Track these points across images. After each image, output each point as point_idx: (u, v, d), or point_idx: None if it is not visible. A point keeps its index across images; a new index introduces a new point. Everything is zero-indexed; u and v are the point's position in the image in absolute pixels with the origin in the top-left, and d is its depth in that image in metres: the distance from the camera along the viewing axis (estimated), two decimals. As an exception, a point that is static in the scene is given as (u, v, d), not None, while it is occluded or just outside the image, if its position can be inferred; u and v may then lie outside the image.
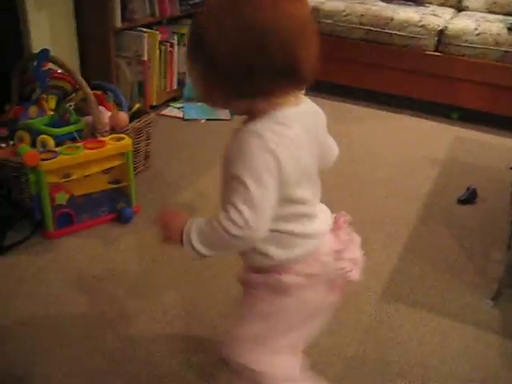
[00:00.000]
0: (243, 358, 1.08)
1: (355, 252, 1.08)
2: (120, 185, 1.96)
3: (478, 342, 1.54)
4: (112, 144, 1.89)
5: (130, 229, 1.94)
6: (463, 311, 1.65)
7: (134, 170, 2.09)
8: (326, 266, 1.04)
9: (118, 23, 2.59)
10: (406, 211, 2.17)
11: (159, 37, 2.80)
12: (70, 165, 1.82)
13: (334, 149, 1.14)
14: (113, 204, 1.97)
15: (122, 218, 1.97)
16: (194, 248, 0.95)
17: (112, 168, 1.92)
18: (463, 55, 3.07)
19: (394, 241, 1.97)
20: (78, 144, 1.88)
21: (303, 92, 1.07)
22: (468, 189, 2.29)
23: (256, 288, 1.06)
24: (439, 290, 1.74)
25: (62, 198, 1.84)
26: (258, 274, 1.05)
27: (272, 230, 0.98)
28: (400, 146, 2.79)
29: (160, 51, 2.86)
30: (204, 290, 1.67)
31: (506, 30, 2.98)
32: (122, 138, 1.93)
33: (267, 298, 1.05)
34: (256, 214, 0.92)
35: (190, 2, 3.01)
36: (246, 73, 0.90)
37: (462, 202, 2.26)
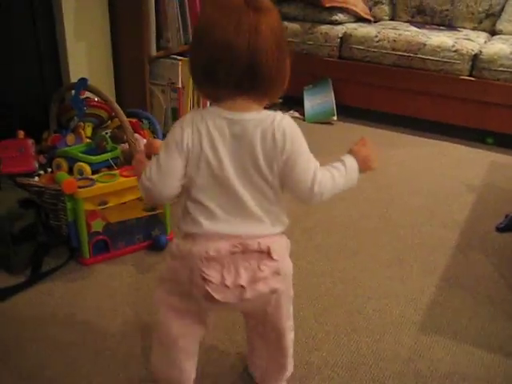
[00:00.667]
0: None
1: (237, 279, 1.12)
2: (155, 212, 1.97)
3: (524, 378, 1.48)
4: (148, 172, 1.90)
5: (164, 256, 1.94)
6: (507, 344, 1.60)
7: (169, 197, 2.10)
8: (190, 257, 1.13)
9: (154, 52, 2.63)
10: (443, 239, 2.13)
11: (193, 64, 2.83)
12: (106, 192, 1.84)
13: (301, 182, 1.15)
14: (148, 231, 1.98)
15: (156, 246, 1.97)
16: None
17: (147, 195, 1.93)
18: (498, 79, 3.03)
19: (432, 270, 1.93)
20: (114, 171, 1.91)
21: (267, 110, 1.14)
22: (507, 216, 2.24)
23: None
24: (480, 322, 1.69)
25: (98, 225, 1.86)
26: None
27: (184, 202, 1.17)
28: (435, 171, 2.75)
29: (193, 78, 2.89)
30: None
31: (542, 54, 2.94)
32: (158, 166, 1.94)
33: None
34: (158, 172, 1.12)
35: (223, 30, 3.05)
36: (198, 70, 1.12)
37: (501, 229, 2.20)
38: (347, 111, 3.35)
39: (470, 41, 3.18)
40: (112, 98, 2.60)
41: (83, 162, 1.96)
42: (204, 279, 1.11)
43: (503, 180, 2.69)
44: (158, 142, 2.08)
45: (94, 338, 1.55)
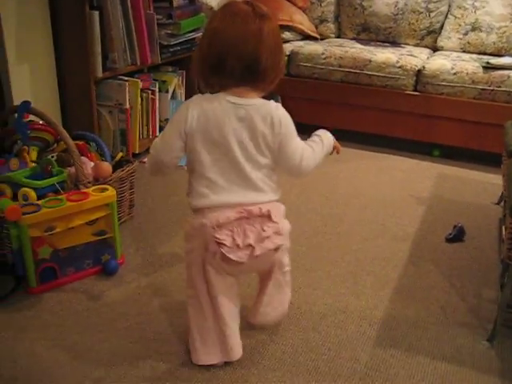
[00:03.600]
0: None
1: (246, 239, 1.34)
2: (105, 236, 1.92)
3: (478, 387, 1.50)
4: (95, 195, 1.86)
5: (115, 281, 1.89)
6: (460, 354, 1.62)
7: (119, 220, 2.06)
8: (203, 228, 1.35)
9: (100, 73, 2.59)
10: (394, 252, 2.16)
11: (141, 85, 2.81)
12: (52, 218, 1.78)
13: (291, 159, 1.43)
14: (98, 256, 1.93)
15: (107, 271, 1.92)
16: None
17: (96, 219, 1.88)
18: (441, 94, 3.12)
19: (385, 283, 1.94)
20: (60, 196, 1.85)
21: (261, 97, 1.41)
22: (455, 227, 2.29)
23: None
24: (433, 333, 1.71)
25: (45, 251, 1.79)
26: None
27: (189, 181, 1.43)
28: (385, 185, 2.80)
29: (142, 99, 2.86)
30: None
31: (481, 69, 3.04)
32: (106, 189, 1.90)
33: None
34: (162, 143, 1.42)
35: (171, 50, 3.04)
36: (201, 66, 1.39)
37: (450, 240, 2.25)
38: (297, 127, 3.36)
39: (414, 57, 3.27)
40: (58, 120, 2.56)
41: (28, 187, 1.90)
42: (218, 243, 1.33)
43: (450, 191, 2.76)
44: (106, 165, 2.06)
45: (41, 371, 1.48)
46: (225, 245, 1.33)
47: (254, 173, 1.38)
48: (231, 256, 1.33)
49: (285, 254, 1.51)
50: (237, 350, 1.50)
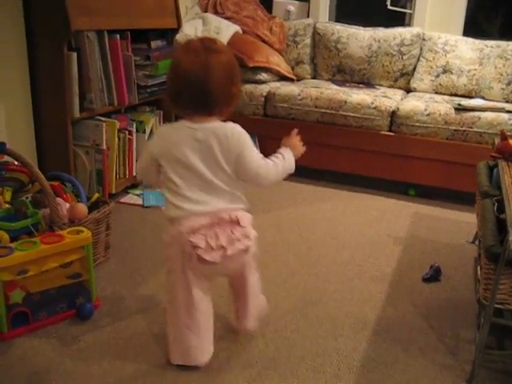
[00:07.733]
0: None
1: (218, 241, 1.51)
2: (79, 279, 1.88)
3: (457, 431, 1.49)
4: (70, 237, 1.83)
5: (90, 326, 1.85)
6: (439, 397, 1.61)
7: (94, 262, 2.03)
8: (180, 235, 1.51)
9: (77, 113, 2.58)
10: (372, 293, 2.15)
11: (118, 125, 2.81)
12: (25, 261, 1.74)
13: (248, 170, 1.57)
14: (72, 299, 1.89)
15: (81, 315, 1.88)
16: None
17: (71, 262, 1.85)
18: (415, 134, 3.18)
19: (363, 325, 1.93)
20: (34, 239, 1.82)
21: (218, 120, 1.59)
22: (431, 267, 2.30)
23: None
24: (412, 375, 1.69)
25: (17, 296, 1.75)
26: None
27: (165, 196, 1.57)
28: (362, 225, 2.81)
29: (119, 139, 2.86)
30: (170, 389, 1.58)
31: (453, 110, 3.12)
32: (81, 231, 1.88)
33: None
34: (140, 166, 1.70)
35: (148, 90, 3.06)
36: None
37: (427, 280, 2.26)
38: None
39: (388, 98, 3.34)
40: (33, 161, 2.54)
41: (1, 229, 1.86)
42: (193, 246, 1.50)
43: (426, 230, 2.78)
44: (82, 206, 2.05)
45: (12, 421, 1.44)
46: (199, 247, 1.50)
47: (220, 185, 1.54)
48: (206, 257, 1.50)
49: (253, 258, 1.65)
50: (206, 356, 1.65)
